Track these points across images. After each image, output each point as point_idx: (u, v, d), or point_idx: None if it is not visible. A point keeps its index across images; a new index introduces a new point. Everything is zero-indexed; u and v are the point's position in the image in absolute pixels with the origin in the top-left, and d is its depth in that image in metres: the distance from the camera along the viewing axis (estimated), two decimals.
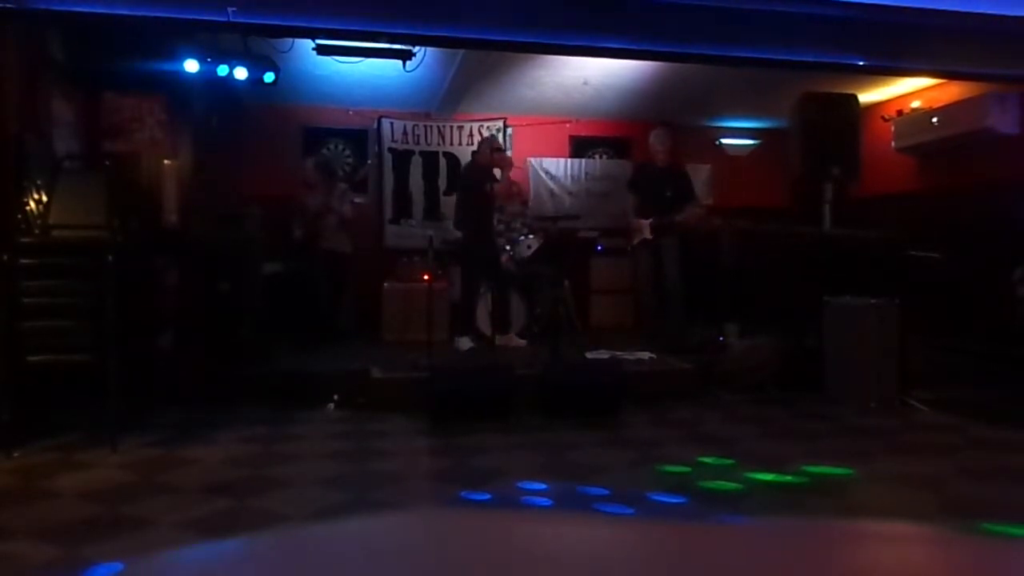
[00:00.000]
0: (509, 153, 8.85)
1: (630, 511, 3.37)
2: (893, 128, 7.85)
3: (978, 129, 6.76)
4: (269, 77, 5.90)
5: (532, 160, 9.00)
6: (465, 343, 6.75)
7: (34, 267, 4.39)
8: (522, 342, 6.93)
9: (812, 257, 6.58)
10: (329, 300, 7.17)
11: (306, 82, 7.25)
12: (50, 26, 5.10)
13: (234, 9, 4.28)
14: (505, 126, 8.81)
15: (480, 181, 6.90)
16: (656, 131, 7.17)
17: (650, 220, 6.79)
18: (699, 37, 5.01)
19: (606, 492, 3.60)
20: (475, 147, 8.70)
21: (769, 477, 3.85)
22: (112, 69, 5.61)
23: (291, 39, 5.68)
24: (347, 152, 8.68)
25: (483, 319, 6.99)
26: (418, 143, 8.75)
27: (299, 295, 6.97)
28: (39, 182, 4.65)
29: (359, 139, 8.70)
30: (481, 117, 8.74)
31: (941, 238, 6.18)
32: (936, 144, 7.35)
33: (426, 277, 6.57)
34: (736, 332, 6.35)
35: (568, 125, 9.12)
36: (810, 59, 5.23)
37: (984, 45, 5.33)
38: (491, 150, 6.99)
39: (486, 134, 8.48)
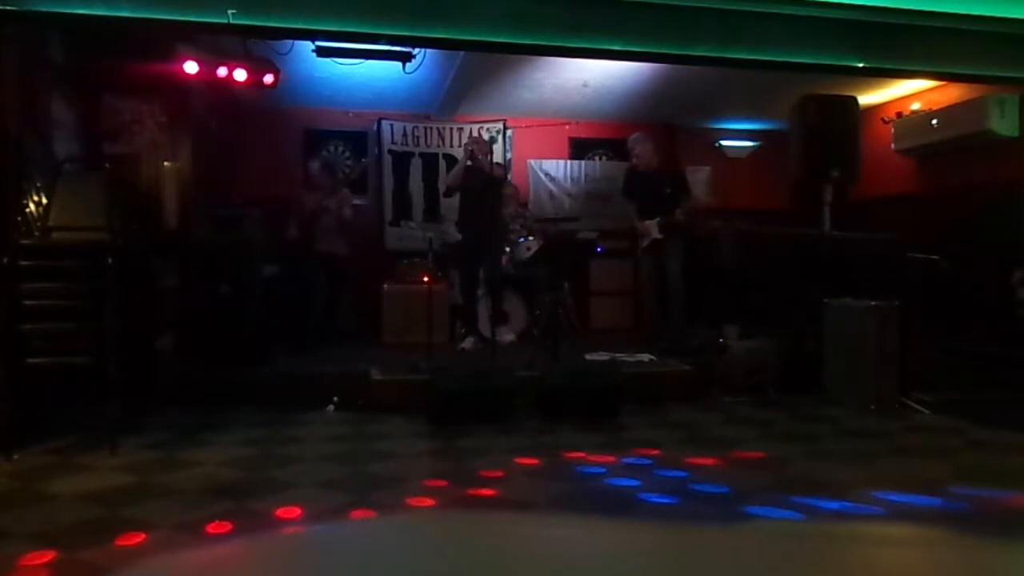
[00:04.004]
0: (509, 155, 8.86)
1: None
2: (893, 130, 7.87)
3: (977, 131, 6.77)
4: (269, 79, 5.92)
5: (532, 162, 9.01)
6: (470, 343, 6.76)
7: (34, 269, 4.39)
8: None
9: (812, 259, 6.59)
10: (327, 302, 7.16)
11: (306, 84, 7.26)
12: (50, 28, 5.11)
13: (234, 11, 4.29)
14: (505, 128, 8.82)
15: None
16: (633, 137, 7.13)
17: (657, 220, 6.75)
18: (699, 39, 5.01)
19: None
20: None
21: None
22: (112, 71, 5.62)
23: (291, 41, 5.69)
24: (347, 154, 8.68)
25: (483, 321, 6.99)
26: (418, 145, 8.75)
27: (297, 297, 6.96)
28: (39, 184, 4.66)
29: (359, 141, 8.71)
30: (481, 119, 8.74)
31: (941, 240, 6.18)
32: (936, 146, 7.36)
33: (426, 279, 6.57)
34: (736, 334, 6.34)
35: (568, 127, 9.13)
36: (810, 61, 5.23)
37: (984, 47, 5.33)
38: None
39: (486, 136, 8.48)
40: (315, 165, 7.39)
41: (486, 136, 8.11)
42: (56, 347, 4.36)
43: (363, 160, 8.58)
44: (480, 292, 7.22)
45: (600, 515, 3.27)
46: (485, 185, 6.77)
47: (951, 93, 7.23)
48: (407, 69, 6.13)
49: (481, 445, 4.49)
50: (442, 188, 7.97)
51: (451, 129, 8.77)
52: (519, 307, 7.49)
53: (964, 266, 6.06)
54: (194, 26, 4.59)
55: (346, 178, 8.17)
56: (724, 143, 9.55)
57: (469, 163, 6.88)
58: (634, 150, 6.98)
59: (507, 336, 6.80)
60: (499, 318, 7.03)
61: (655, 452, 4.34)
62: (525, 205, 8.41)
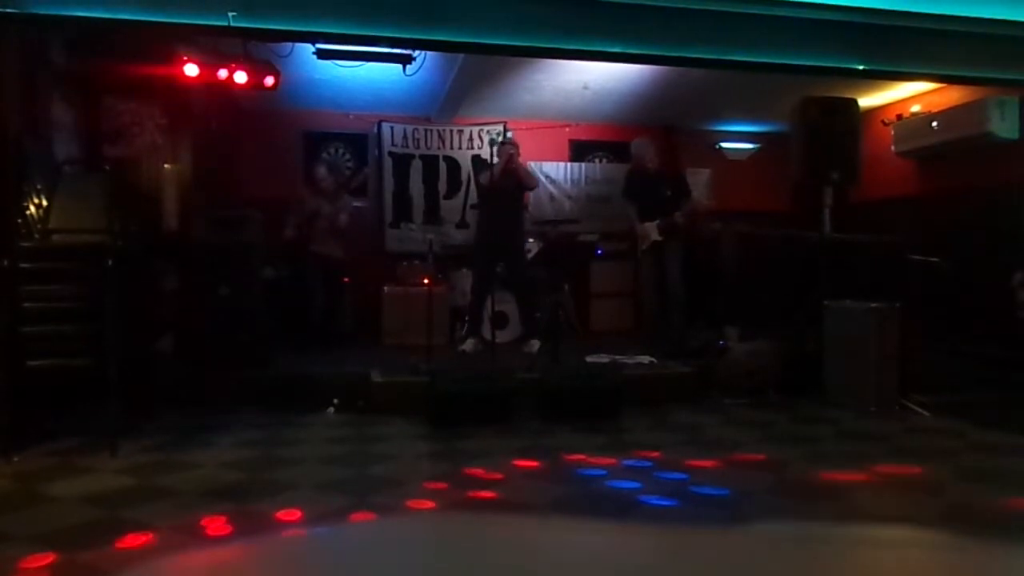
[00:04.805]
0: None
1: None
2: (893, 132, 7.86)
3: (978, 133, 6.76)
4: (269, 81, 5.92)
5: (532, 164, 8.98)
6: (470, 345, 6.76)
7: (34, 271, 4.39)
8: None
9: (812, 261, 6.59)
10: (324, 304, 7.16)
11: (306, 86, 7.26)
12: (51, 30, 5.11)
13: (234, 13, 4.29)
14: (505, 130, 8.81)
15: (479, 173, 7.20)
16: (636, 141, 7.13)
17: (656, 221, 6.74)
18: (699, 41, 5.01)
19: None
20: (475, 151, 8.74)
21: None
22: (112, 73, 5.62)
23: (291, 43, 5.69)
24: (347, 156, 8.69)
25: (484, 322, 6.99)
26: (418, 147, 8.76)
27: (295, 299, 6.96)
28: (39, 186, 4.66)
29: (359, 143, 8.71)
30: (481, 121, 8.75)
31: (941, 242, 6.18)
32: (936, 148, 7.35)
33: (426, 281, 6.57)
34: (736, 336, 6.34)
35: (568, 129, 9.13)
36: (810, 63, 5.23)
37: (983, 49, 5.33)
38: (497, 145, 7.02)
39: (486, 138, 8.49)
40: (322, 169, 7.40)
41: (486, 138, 8.13)
42: (56, 349, 4.36)
43: (365, 170, 8.60)
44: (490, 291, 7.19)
45: (600, 517, 3.26)
46: (515, 188, 6.80)
47: (951, 95, 7.22)
48: (407, 71, 6.12)
49: (481, 447, 4.49)
50: (477, 186, 8.10)
51: (451, 131, 8.77)
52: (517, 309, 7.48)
53: (964, 268, 6.06)
54: (194, 28, 4.59)
55: (346, 182, 8.17)
56: (724, 145, 9.56)
57: (503, 164, 6.80)
58: (644, 157, 6.96)
59: (534, 346, 6.72)
60: (527, 319, 7.02)
61: (655, 454, 4.34)
62: (526, 207, 8.40)
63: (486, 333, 6.72)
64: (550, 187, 9.07)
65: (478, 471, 4.00)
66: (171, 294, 5.92)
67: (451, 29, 4.68)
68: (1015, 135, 6.67)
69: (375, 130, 8.63)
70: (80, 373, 4.36)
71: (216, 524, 3.22)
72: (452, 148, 8.79)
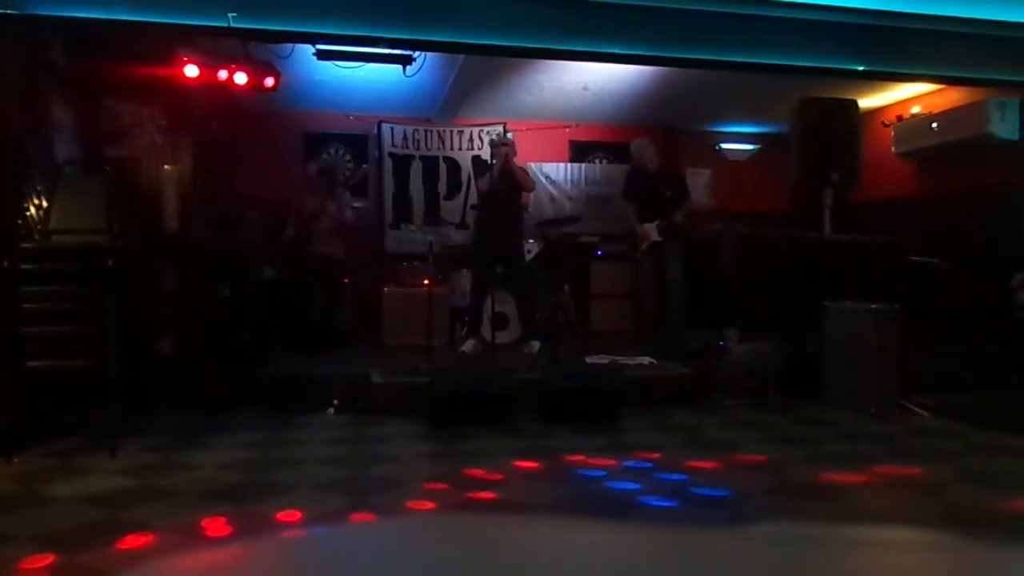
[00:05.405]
0: None
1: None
2: (893, 133, 7.86)
3: (978, 134, 6.77)
4: (269, 82, 5.93)
5: (532, 165, 8.98)
6: (470, 346, 6.75)
7: (34, 272, 4.39)
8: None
9: (812, 262, 6.59)
10: (325, 305, 7.15)
11: (306, 87, 7.25)
12: (50, 31, 5.11)
13: (235, 14, 4.29)
14: (505, 131, 8.81)
15: (478, 177, 7.22)
16: (636, 142, 7.12)
17: (656, 223, 6.74)
18: (699, 41, 5.01)
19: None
20: (475, 151, 8.74)
21: None
22: (113, 74, 5.63)
23: (291, 44, 5.69)
24: (347, 157, 8.69)
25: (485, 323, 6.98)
26: (418, 148, 8.75)
27: (295, 300, 6.96)
28: (39, 187, 4.65)
29: (359, 144, 8.71)
30: (481, 122, 8.75)
31: (941, 243, 6.18)
32: (936, 149, 7.36)
33: (426, 282, 6.57)
34: (736, 337, 6.34)
35: (568, 130, 9.13)
36: (810, 64, 5.24)
37: (983, 50, 5.34)
38: (494, 147, 7.03)
39: (486, 139, 8.50)
40: (312, 168, 7.39)
41: (486, 139, 8.12)
42: (56, 350, 4.36)
43: (364, 167, 8.60)
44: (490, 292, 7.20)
45: (600, 518, 3.26)
46: (512, 189, 6.79)
47: (951, 96, 7.23)
48: (407, 72, 6.13)
49: (481, 448, 4.49)
50: (476, 190, 7.92)
51: (451, 132, 8.77)
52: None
53: (964, 268, 6.06)
54: (194, 29, 4.60)
55: (346, 182, 8.17)
56: (724, 146, 9.55)
57: (500, 166, 6.76)
58: (644, 157, 6.94)
59: (534, 347, 6.69)
60: (527, 320, 7.03)
61: (655, 455, 4.34)
62: (526, 207, 8.40)
63: (486, 334, 6.72)
64: (550, 188, 9.07)
65: (478, 472, 4.00)
66: (171, 294, 5.92)
67: (451, 30, 4.69)
68: (1015, 136, 6.67)
69: (375, 131, 8.63)
70: (80, 373, 4.35)
71: (216, 525, 3.22)
72: (452, 149, 8.79)
